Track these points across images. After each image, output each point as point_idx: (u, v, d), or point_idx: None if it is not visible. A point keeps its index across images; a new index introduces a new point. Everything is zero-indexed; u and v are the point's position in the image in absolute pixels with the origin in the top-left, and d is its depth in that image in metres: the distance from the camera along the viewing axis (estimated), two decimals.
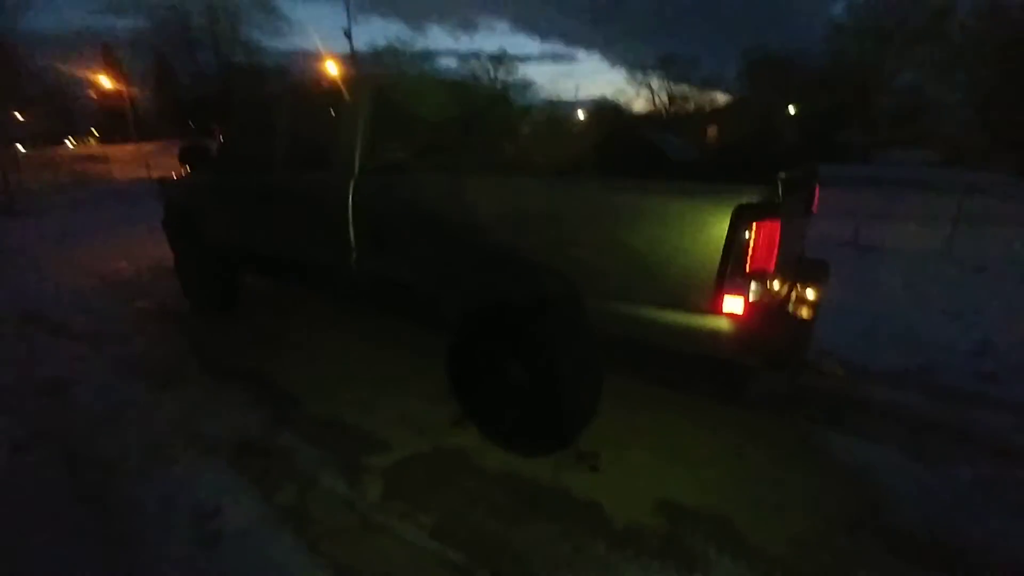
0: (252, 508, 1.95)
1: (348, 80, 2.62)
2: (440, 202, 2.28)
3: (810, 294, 2.23)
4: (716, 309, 1.61)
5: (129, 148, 34.67)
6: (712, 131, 31.42)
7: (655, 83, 42.07)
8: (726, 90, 38.94)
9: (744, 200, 1.54)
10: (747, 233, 1.54)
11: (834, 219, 6.08)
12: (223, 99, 43.97)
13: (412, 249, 2.37)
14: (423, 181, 2.37)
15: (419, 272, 2.36)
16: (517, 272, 2.05)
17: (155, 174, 13.74)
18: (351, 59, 27.08)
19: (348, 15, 23.70)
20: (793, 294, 2.10)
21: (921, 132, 28.52)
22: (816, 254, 2.75)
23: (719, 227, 1.56)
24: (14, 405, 2.81)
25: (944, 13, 25.70)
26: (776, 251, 1.59)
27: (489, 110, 3.24)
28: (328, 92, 2.71)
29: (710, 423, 2.49)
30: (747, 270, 1.57)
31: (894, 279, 4.92)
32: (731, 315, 1.60)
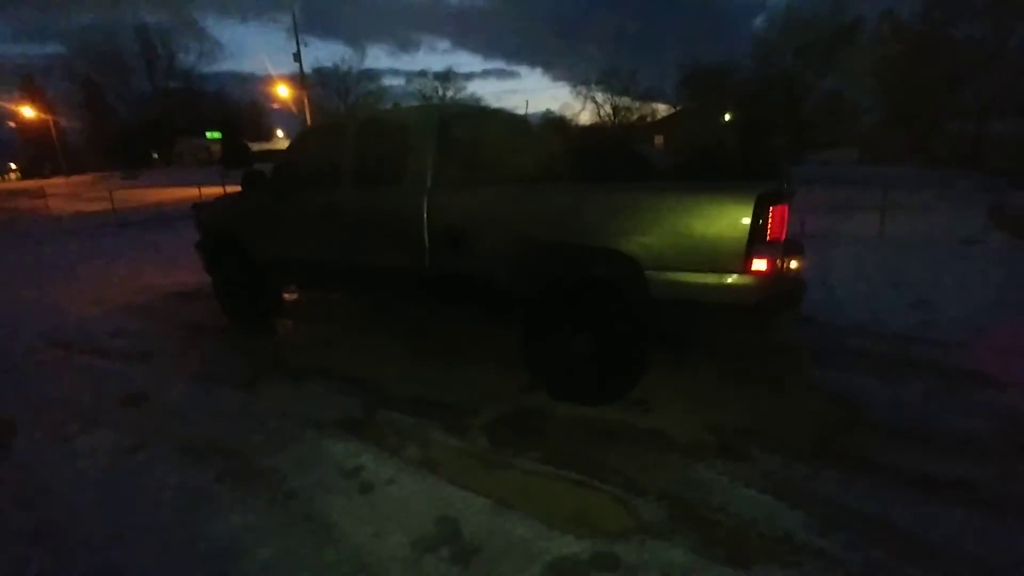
0: (388, 463, 2.36)
1: (416, 111, 3.12)
2: (515, 206, 2.82)
3: (795, 263, 2.94)
4: (747, 269, 2.24)
5: (60, 181, 32.63)
6: (659, 140, 33.41)
7: (599, 96, 43.77)
8: (666, 101, 41.24)
9: (763, 191, 2.18)
10: (766, 213, 2.18)
11: None
12: (163, 124, 42.54)
13: (487, 246, 2.88)
14: (498, 191, 2.91)
15: (494, 264, 2.86)
16: (590, 256, 2.61)
17: (110, 206, 13.42)
18: (300, 80, 27.06)
19: (297, 39, 23.88)
20: (787, 261, 2.79)
21: (842, 133, 31.56)
22: None
23: (746, 210, 2.19)
24: (102, 418, 2.93)
25: (855, 26, 28.65)
26: (785, 226, 2.25)
27: (516, 130, 3.82)
28: (397, 120, 3.19)
29: (723, 371, 3.17)
30: (767, 239, 2.21)
31: (842, 259, 5.84)
32: (758, 272, 2.23)
